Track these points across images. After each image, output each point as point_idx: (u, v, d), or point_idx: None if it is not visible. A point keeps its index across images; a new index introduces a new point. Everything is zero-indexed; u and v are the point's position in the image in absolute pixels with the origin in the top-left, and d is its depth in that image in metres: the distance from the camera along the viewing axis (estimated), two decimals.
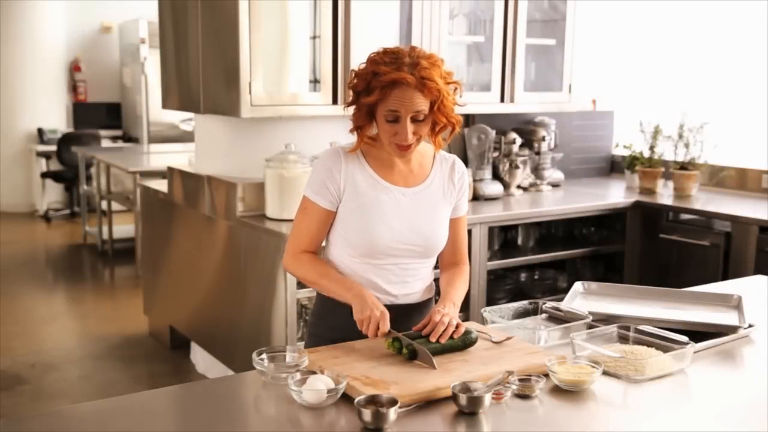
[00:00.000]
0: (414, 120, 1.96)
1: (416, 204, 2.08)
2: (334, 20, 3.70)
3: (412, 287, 2.13)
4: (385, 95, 1.94)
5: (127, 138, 9.48)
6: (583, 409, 1.74)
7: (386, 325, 1.94)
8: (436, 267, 2.24)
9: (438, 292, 2.21)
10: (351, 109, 2.05)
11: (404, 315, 2.10)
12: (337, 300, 2.07)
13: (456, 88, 2.02)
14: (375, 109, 1.98)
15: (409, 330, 2.01)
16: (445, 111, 1.98)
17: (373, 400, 1.62)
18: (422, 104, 1.95)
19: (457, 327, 1.96)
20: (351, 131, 2.07)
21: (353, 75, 2.02)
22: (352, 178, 2.05)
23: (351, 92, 2.03)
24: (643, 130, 4.69)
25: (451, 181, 2.14)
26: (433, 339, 1.92)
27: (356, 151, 2.08)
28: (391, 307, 2.08)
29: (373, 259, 2.07)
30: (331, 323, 2.12)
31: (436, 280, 2.27)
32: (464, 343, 1.96)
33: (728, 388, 1.91)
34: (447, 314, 1.99)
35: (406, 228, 2.06)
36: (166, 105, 4.33)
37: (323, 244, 2.17)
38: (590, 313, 2.22)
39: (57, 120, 9.23)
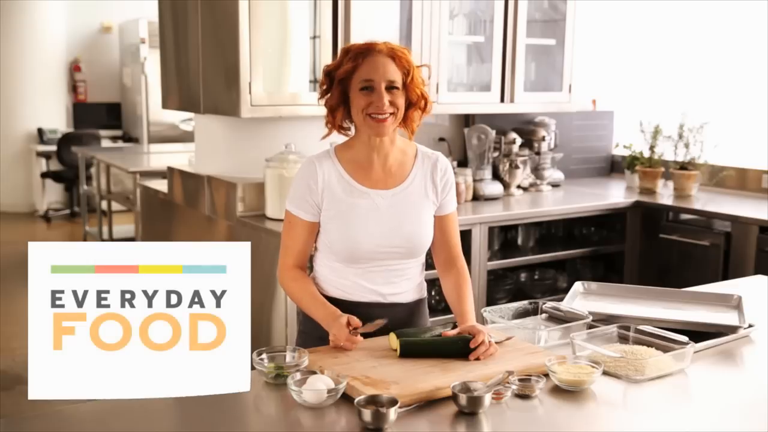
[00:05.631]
0: (388, 89, 1.98)
1: (396, 205, 2.08)
2: (334, 20, 3.70)
3: (398, 287, 2.13)
4: (358, 64, 1.98)
5: (127, 138, 9.49)
6: (583, 409, 1.74)
7: (356, 320, 1.95)
8: (430, 268, 2.22)
9: (437, 295, 2.21)
10: (324, 105, 2.10)
11: (394, 314, 2.10)
12: (323, 295, 2.11)
13: (426, 69, 2.11)
14: (349, 87, 2.00)
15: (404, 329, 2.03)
16: (417, 84, 2.03)
17: (373, 400, 1.63)
18: (395, 74, 1.99)
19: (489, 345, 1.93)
20: (326, 123, 2.10)
21: (325, 67, 2.08)
22: (329, 185, 2.06)
23: (323, 82, 2.07)
24: (643, 130, 4.68)
25: (433, 180, 2.13)
26: (481, 357, 1.90)
27: (332, 158, 2.09)
28: (379, 306, 2.09)
29: (356, 263, 2.07)
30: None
31: (430, 281, 2.26)
32: (465, 347, 1.93)
33: (728, 388, 1.91)
34: (487, 334, 1.95)
35: (387, 231, 2.06)
36: (166, 105, 4.33)
37: (312, 251, 2.18)
38: (590, 313, 2.22)
39: (57, 120, 9.24)
